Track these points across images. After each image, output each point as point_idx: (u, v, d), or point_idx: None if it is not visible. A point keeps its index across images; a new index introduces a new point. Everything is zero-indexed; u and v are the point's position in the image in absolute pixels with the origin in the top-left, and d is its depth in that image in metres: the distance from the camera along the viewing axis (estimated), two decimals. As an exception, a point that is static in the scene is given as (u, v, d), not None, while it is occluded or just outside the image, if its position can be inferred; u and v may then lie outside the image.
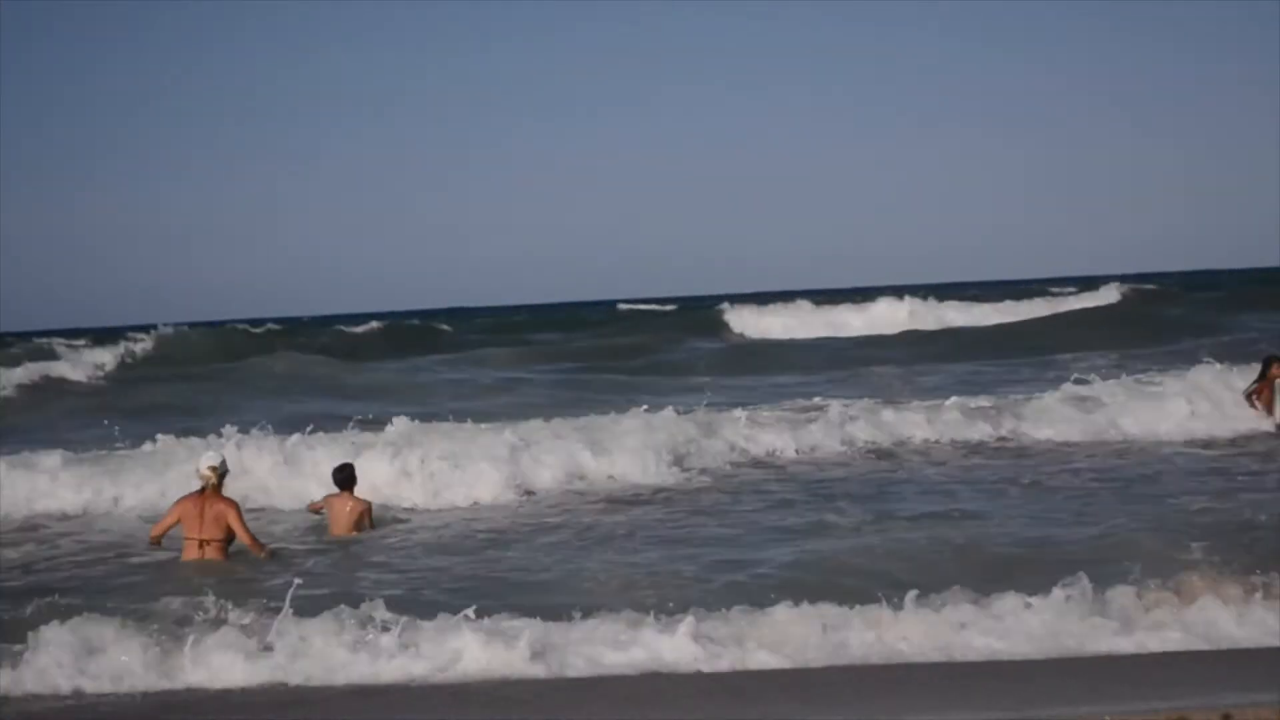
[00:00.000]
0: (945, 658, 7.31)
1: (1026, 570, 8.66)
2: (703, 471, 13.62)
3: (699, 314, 46.63)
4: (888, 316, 41.30)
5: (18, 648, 7.63)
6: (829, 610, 7.74)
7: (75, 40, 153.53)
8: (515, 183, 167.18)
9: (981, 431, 15.24)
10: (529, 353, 33.59)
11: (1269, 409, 15.16)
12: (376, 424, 14.40)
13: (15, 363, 29.66)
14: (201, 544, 10.20)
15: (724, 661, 7.31)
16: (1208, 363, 16.46)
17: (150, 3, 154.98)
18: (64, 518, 12.44)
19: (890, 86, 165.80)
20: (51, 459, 13.39)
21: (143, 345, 35.82)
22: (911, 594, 7.82)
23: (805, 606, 7.80)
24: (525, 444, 13.42)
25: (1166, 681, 6.74)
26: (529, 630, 7.62)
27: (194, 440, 13.47)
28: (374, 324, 45.45)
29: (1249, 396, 15.33)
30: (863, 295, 46.90)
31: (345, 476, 11.56)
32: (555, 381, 25.97)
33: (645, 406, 14.97)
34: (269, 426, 13.56)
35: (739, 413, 15.40)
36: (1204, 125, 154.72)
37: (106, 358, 34.05)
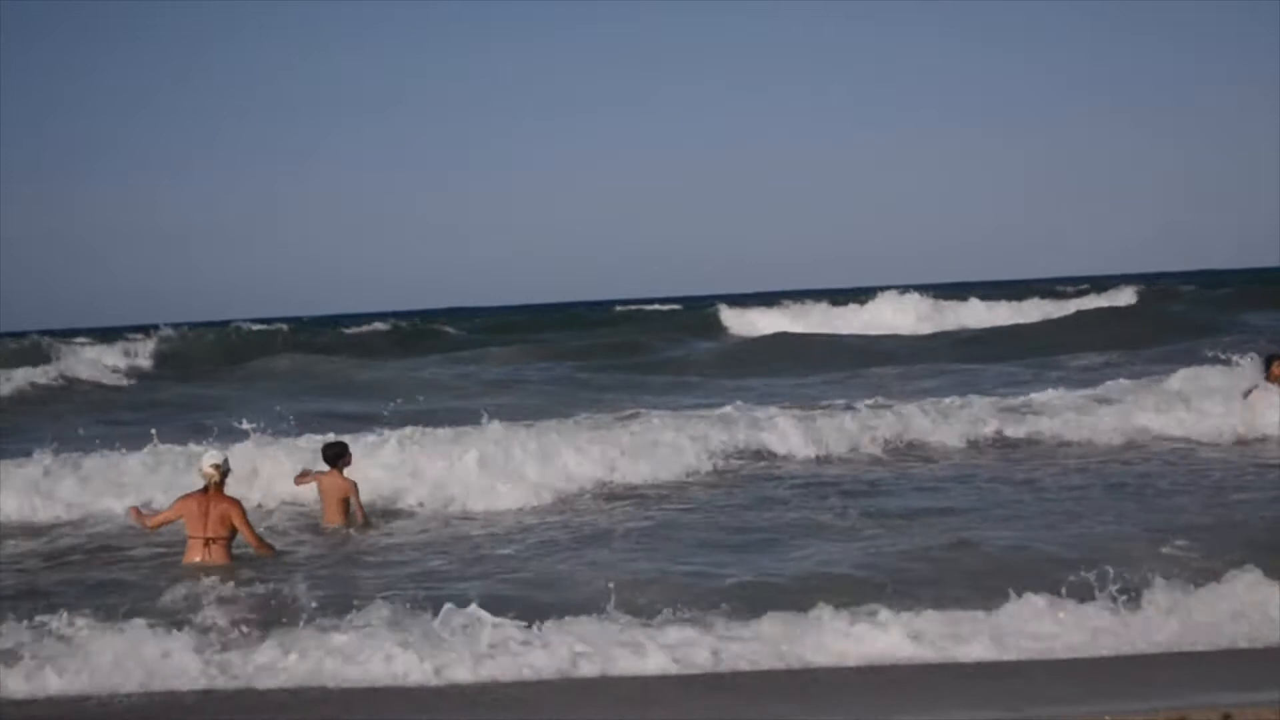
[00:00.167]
0: (946, 659, 7.33)
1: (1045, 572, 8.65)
2: (723, 472, 13.58)
3: (700, 314, 46.62)
4: (889, 316, 41.26)
5: (32, 648, 7.68)
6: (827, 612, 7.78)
7: (75, 40, 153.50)
8: (515, 183, 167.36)
9: (1007, 430, 15.18)
10: (535, 351, 33.54)
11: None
12: (393, 422, 14.47)
13: (22, 361, 29.70)
14: (206, 543, 10.19)
15: (725, 662, 7.32)
16: (1223, 362, 16.39)
17: (150, 3, 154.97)
18: (69, 520, 12.40)
19: (890, 86, 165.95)
20: (84, 460, 13.40)
21: (149, 345, 35.82)
22: (923, 595, 7.84)
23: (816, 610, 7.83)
24: (555, 445, 13.45)
25: (1166, 681, 6.74)
26: (534, 631, 7.65)
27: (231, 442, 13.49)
28: (377, 324, 45.51)
29: (1246, 395, 15.32)
30: (863, 295, 46.88)
31: (334, 454, 11.68)
32: (562, 381, 25.97)
33: (664, 408, 14.95)
34: (291, 422, 13.58)
35: (762, 412, 15.41)
36: (1204, 125, 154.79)
37: (112, 358, 34.06)
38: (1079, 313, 38.11)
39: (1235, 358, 16.53)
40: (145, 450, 13.67)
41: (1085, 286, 52.53)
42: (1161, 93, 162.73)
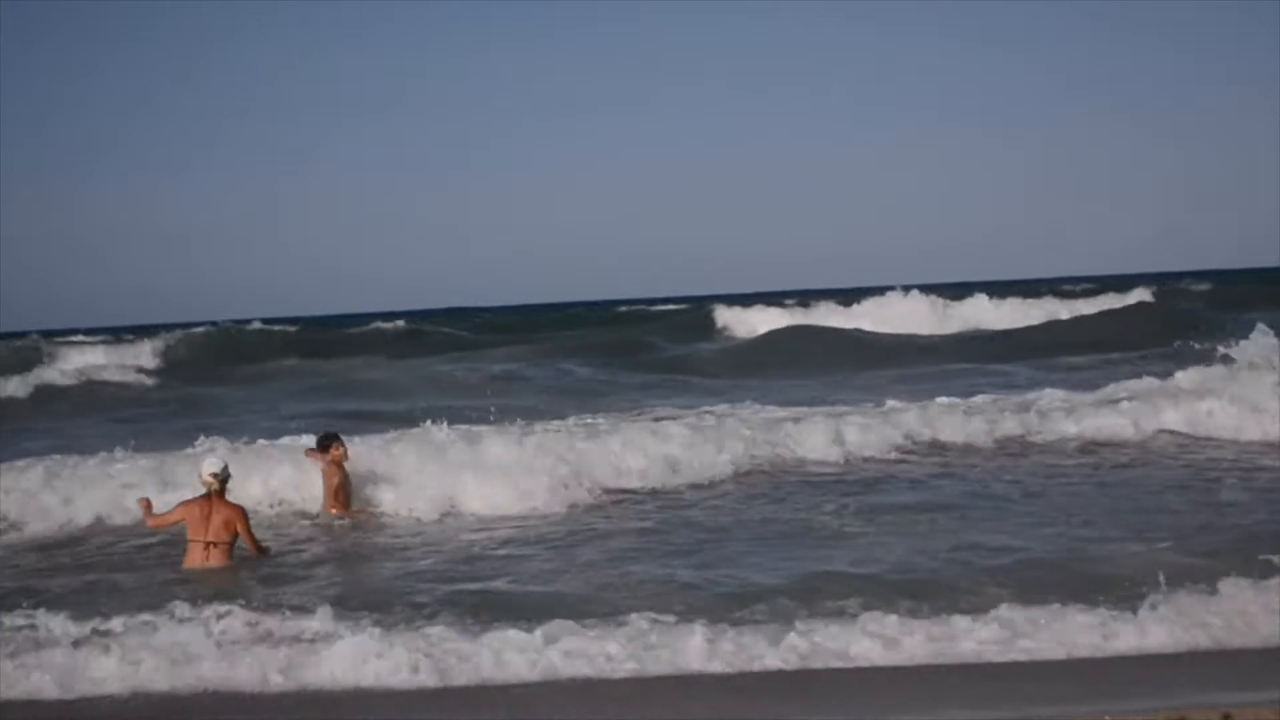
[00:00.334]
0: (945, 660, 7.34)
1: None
2: (745, 474, 13.46)
3: (702, 313, 46.60)
4: (899, 316, 41.15)
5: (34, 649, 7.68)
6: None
7: (75, 40, 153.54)
8: (515, 183, 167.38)
9: (1028, 430, 15.05)
10: (537, 352, 33.50)
11: None
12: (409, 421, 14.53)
13: (24, 363, 29.74)
14: (207, 546, 10.28)
15: (724, 662, 7.33)
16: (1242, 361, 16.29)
17: (150, 3, 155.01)
18: (76, 523, 12.36)
19: (890, 86, 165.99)
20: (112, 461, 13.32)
21: (157, 346, 35.86)
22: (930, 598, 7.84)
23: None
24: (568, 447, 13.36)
25: (1166, 681, 6.74)
26: (539, 632, 7.67)
27: (261, 443, 13.53)
28: (379, 324, 45.56)
29: None
30: (863, 294, 46.82)
31: (321, 438, 12.21)
32: (564, 382, 25.94)
33: (675, 408, 14.83)
34: (303, 422, 13.58)
35: (778, 413, 15.33)
36: (1204, 125, 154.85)
37: (120, 358, 34.11)
38: (1101, 313, 37.82)
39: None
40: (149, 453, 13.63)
41: (1092, 286, 52.50)
42: (1161, 93, 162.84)
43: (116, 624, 8.10)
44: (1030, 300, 42.73)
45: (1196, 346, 16.81)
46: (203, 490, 10.52)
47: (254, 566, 10.20)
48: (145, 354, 35.15)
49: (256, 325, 42.00)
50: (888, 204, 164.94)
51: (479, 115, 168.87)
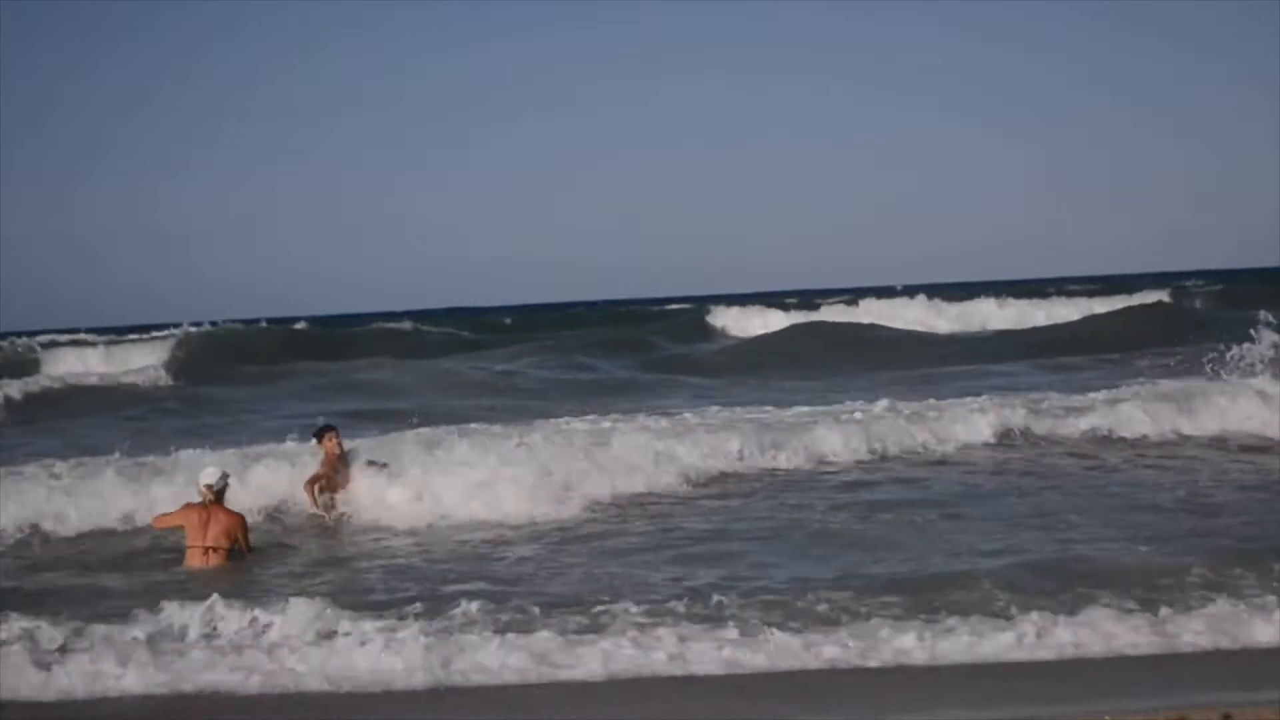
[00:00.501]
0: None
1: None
2: (745, 475, 13.37)
3: (702, 314, 46.59)
4: (910, 315, 41.10)
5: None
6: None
7: (75, 40, 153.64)
8: (515, 183, 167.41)
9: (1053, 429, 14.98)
10: (539, 352, 33.47)
11: None
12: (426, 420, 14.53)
13: (30, 364, 29.79)
14: (205, 551, 10.48)
15: (724, 663, 7.33)
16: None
17: (150, 3, 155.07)
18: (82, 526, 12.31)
19: (890, 86, 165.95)
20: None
21: (153, 347, 35.86)
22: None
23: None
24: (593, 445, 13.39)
25: (1166, 681, 6.74)
26: (541, 634, 7.69)
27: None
28: (380, 324, 45.59)
29: None
30: (861, 294, 46.83)
31: (316, 431, 12.41)
32: (567, 382, 25.94)
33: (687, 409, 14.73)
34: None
35: (780, 413, 15.26)
36: (1204, 125, 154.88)
37: (129, 358, 34.12)
38: (1114, 311, 37.67)
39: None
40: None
41: (1096, 286, 52.51)
42: (1161, 93, 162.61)
43: (112, 624, 8.12)
44: (1045, 301, 42.67)
45: (1226, 350, 16.62)
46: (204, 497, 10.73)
47: (246, 568, 10.26)
48: (145, 355, 35.14)
49: (262, 324, 41.94)
50: (888, 204, 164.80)
51: (479, 115, 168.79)
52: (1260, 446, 14.13)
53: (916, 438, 14.55)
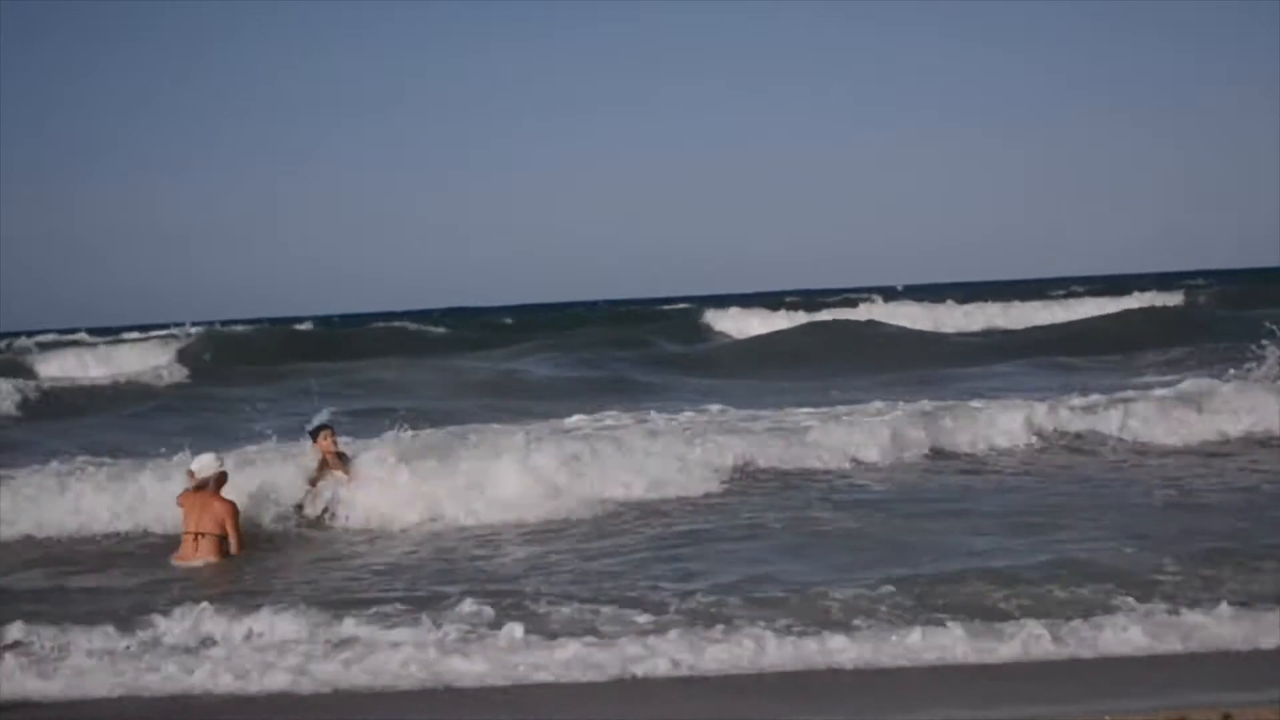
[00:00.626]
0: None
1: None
2: (747, 478, 13.23)
3: (701, 314, 46.61)
4: (889, 315, 41.11)
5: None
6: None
7: (75, 40, 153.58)
8: (515, 183, 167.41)
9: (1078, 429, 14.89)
10: (544, 351, 33.49)
11: None
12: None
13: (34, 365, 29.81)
14: (195, 537, 10.63)
15: (724, 663, 7.35)
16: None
17: (150, 3, 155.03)
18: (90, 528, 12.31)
19: (890, 86, 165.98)
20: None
21: (153, 347, 35.90)
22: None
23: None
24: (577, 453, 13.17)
25: (1166, 681, 6.75)
26: (543, 634, 7.73)
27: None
28: (379, 324, 45.63)
29: None
30: (861, 295, 46.85)
31: (311, 429, 12.27)
32: (570, 381, 25.96)
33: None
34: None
35: (794, 415, 15.22)
36: (1204, 125, 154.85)
37: (112, 359, 34.15)
38: (1122, 311, 37.63)
39: None
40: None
41: (1099, 286, 52.54)
42: (1161, 93, 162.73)
43: (110, 624, 8.15)
44: (1049, 300, 42.67)
45: (1257, 350, 16.53)
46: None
47: (239, 567, 10.30)
48: (147, 355, 35.17)
49: (264, 324, 41.98)
50: (888, 204, 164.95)
51: (479, 115, 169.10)
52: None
53: (919, 439, 14.44)
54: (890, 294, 48.67)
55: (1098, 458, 14.01)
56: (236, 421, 13.54)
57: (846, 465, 13.77)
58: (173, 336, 38.14)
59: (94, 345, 38.40)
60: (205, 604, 8.31)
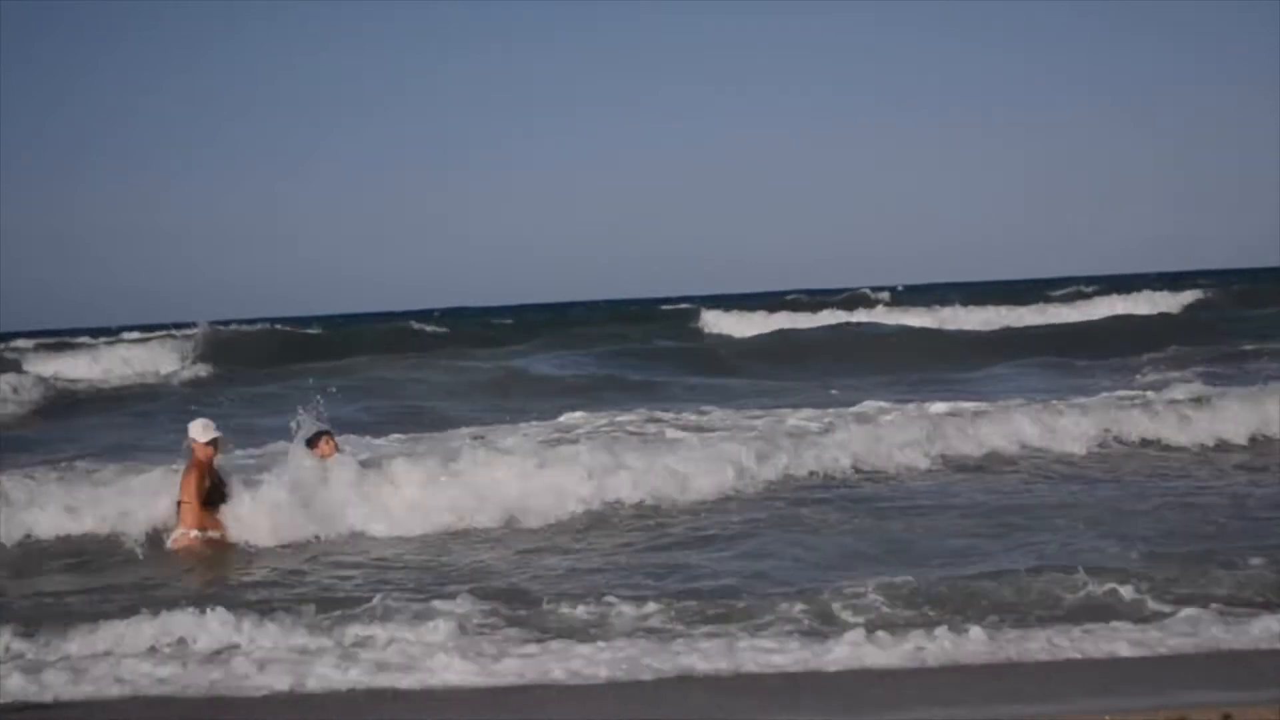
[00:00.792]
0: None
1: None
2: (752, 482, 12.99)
3: (701, 314, 46.62)
4: (889, 316, 41.14)
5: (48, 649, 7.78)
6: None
7: (75, 40, 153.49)
8: (515, 183, 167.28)
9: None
10: (544, 351, 33.44)
11: None
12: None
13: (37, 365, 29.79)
14: (178, 504, 11.06)
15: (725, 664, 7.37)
16: None
17: (151, 3, 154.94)
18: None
19: (890, 86, 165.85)
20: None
21: (152, 347, 35.89)
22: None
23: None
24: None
25: (1166, 681, 6.76)
26: (544, 634, 7.76)
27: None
28: (379, 324, 45.66)
29: None
30: (862, 295, 46.83)
31: (311, 435, 12.23)
32: (570, 382, 25.88)
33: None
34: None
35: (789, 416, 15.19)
36: (1204, 125, 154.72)
37: (110, 359, 34.16)
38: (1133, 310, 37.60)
39: None
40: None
41: (1102, 287, 52.52)
42: (1161, 93, 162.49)
43: (107, 625, 8.16)
44: (1049, 301, 42.59)
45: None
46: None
47: (246, 569, 10.31)
48: (150, 356, 35.16)
49: (266, 324, 41.93)
50: (888, 204, 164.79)
51: (479, 115, 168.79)
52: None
53: (924, 441, 14.32)
54: (890, 294, 48.72)
55: (1093, 458, 14.04)
56: (251, 420, 13.50)
57: (846, 466, 13.75)
58: (170, 337, 38.14)
59: (94, 345, 38.37)
60: (220, 607, 8.33)
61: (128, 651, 7.80)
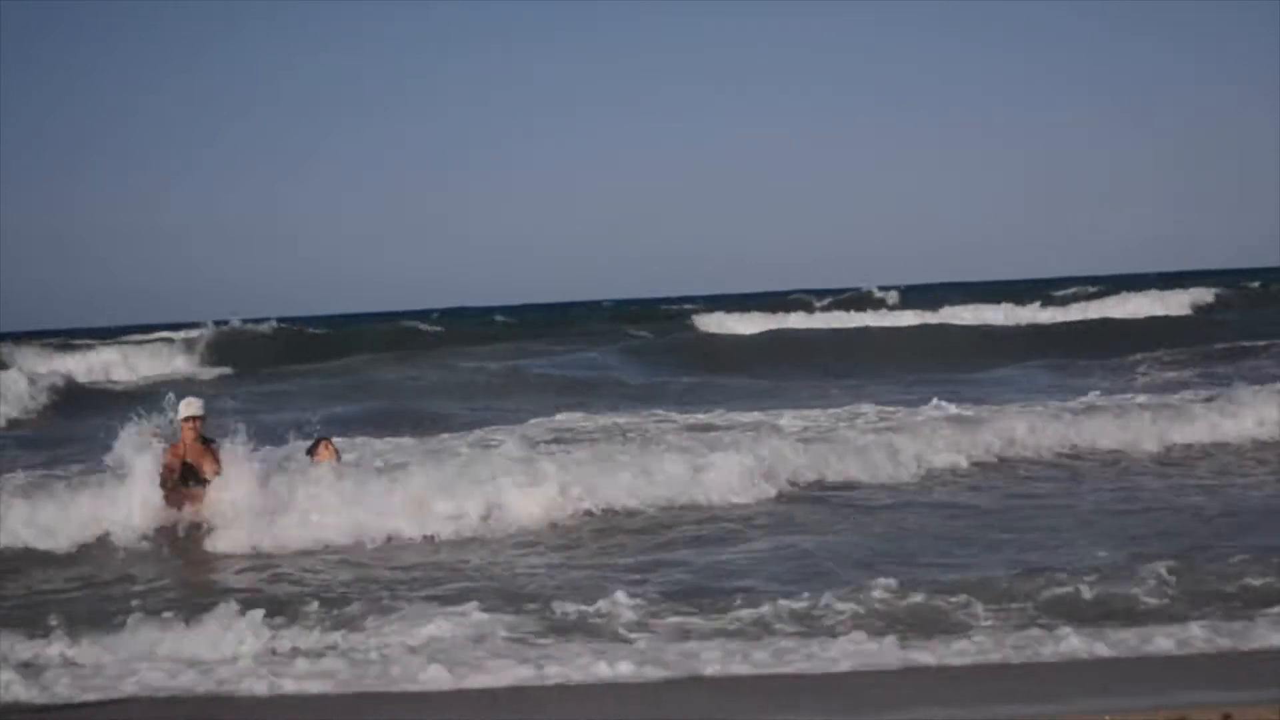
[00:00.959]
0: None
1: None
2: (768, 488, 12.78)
3: (706, 314, 46.64)
4: (888, 316, 41.13)
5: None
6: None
7: (75, 40, 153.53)
8: (515, 183, 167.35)
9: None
10: (544, 352, 33.48)
11: None
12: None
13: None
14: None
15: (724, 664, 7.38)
16: None
17: (151, 3, 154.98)
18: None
19: (890, 86, 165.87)
20: None
21: (163, 347, 35.93)
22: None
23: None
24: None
25: (1166, 681, 6.76)
26: (546, 634, 7.78)
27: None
28: (378, 324, 45.69)
29: None
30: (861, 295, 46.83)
31: (311, 445, 12.37)
32: (569, 383, 25.88)
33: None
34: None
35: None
36: (1204, 125, 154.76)
37: (108, 359, 34.18)
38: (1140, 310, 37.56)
39: None
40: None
41: (1104, 287, 52.54)
42: (1161, 93, 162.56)
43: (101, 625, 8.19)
44: (1048, 301, 42.56)
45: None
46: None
47: (246, 570, 10.30)
48: (152, 355, 35.20)
49: (271, 324, 41.86)
50: (888, 204, 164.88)
51: (479, 115, 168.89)
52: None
53: (924, 442, 14.32)
54: (893, 294, 48.70)
55: (1094, 459, 14.04)
56: (259, 417, 13.48)
57: (846, 467, 13.71)
58: (166, 340, 38.15)
59: (93, 345, 38.36)
60: (220, 609, 8.32)
61: (129, 652, 7.80)
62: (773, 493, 12.48)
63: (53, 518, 11.29)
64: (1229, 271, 71.54)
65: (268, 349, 35.90)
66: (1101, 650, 7.33)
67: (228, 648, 7.81)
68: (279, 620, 8.17)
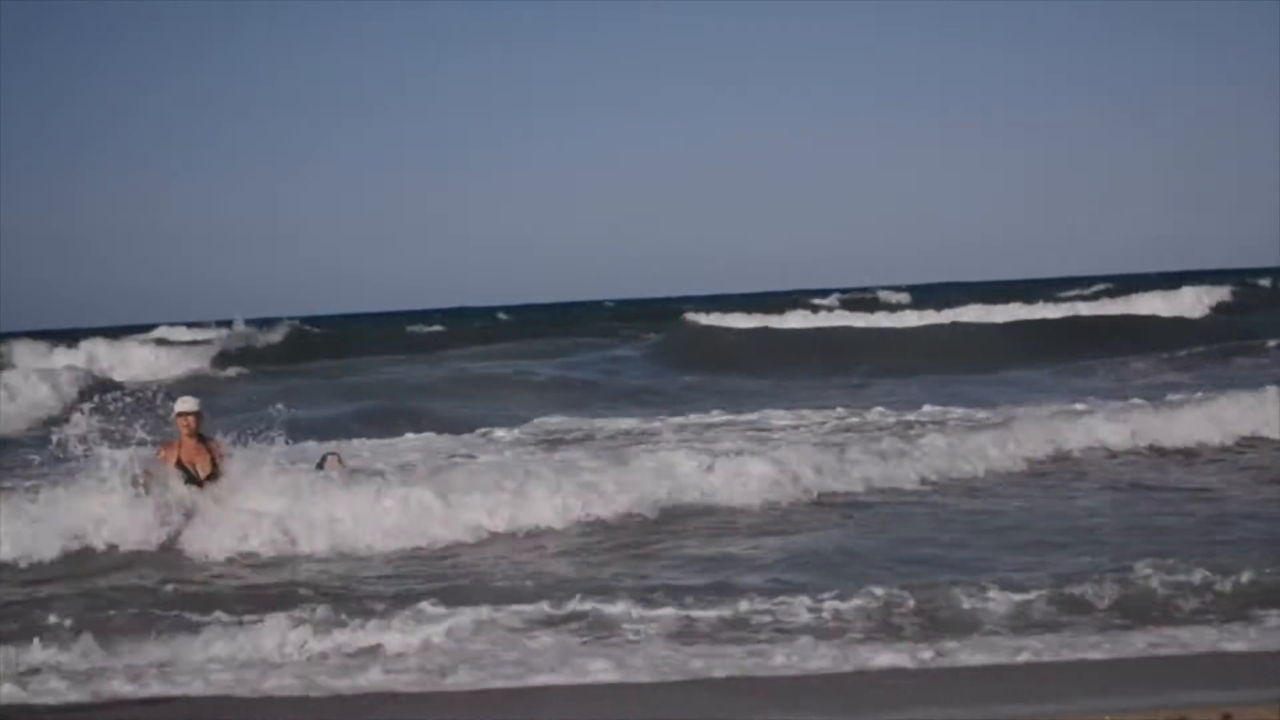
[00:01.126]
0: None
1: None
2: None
3: (706, 314, 46.57)
4: (888, 317, 41.07)
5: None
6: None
7: (75, 40, 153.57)
8: (515, 183, 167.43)
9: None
10: (544, 352, 33.47)
11: None
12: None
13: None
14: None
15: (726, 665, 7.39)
16: None
17: (151, 3, 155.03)
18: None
19: (890, 86, 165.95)
20: None
21: (154, 347, 35.91)
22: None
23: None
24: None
25: (1166, 681, 6.77)
26: (548, 636, 7.78)
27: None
28: (376, 324, 45.65)
29: None
30: (862, 295, 46.80)
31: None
32: (569, 383, 25.92)
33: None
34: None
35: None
36: (1204, 125, 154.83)
37: (107, 360, 34.17)
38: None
39: None
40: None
41: (1109, 287, 52.58)
42: (1161, 93, 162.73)
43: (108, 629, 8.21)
44: (1045, 302, 42.53)
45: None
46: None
47: (258, 572, 10.29)
48: (149, 355, 35.20)
49: (286, 325, 41.82)
50: (888, 204, 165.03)
51: (479, 115, 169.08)
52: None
53: (924, 443, 14.23)
54: (891, 294, 48.71)
55: (1094, 460, 14.05)
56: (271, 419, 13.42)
57: (844, 469, 13.69)
58: (164, 343, 38.15)
59: (93, 346, 38.34)
60: (222, 612, 8.32)
61: (132, 654, 7.80)
62: (776, 494, 12.42)
63: (38, 523, 11.17)
64: (1230, 271, 71.53)
65: (274, 350, 35.89)
66: (1102, 650, 7.34)
67: (228, 649, 7.82)
68: (279, 621, 8.17)
